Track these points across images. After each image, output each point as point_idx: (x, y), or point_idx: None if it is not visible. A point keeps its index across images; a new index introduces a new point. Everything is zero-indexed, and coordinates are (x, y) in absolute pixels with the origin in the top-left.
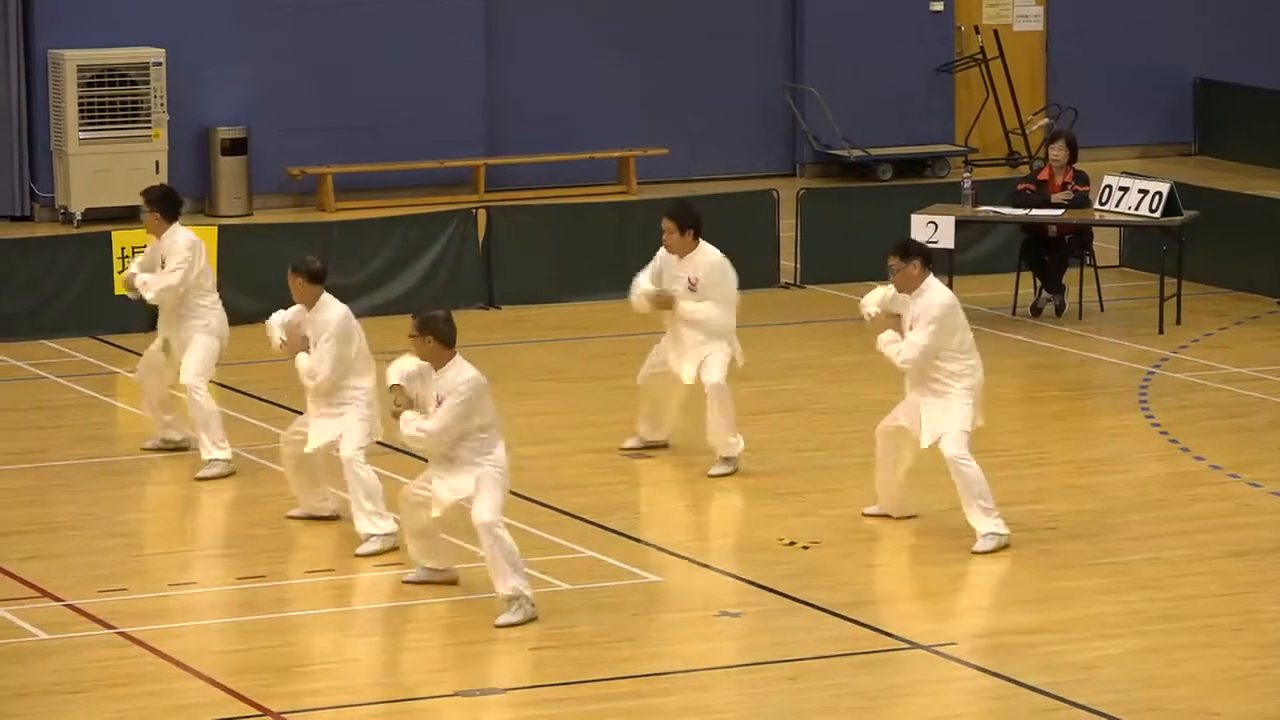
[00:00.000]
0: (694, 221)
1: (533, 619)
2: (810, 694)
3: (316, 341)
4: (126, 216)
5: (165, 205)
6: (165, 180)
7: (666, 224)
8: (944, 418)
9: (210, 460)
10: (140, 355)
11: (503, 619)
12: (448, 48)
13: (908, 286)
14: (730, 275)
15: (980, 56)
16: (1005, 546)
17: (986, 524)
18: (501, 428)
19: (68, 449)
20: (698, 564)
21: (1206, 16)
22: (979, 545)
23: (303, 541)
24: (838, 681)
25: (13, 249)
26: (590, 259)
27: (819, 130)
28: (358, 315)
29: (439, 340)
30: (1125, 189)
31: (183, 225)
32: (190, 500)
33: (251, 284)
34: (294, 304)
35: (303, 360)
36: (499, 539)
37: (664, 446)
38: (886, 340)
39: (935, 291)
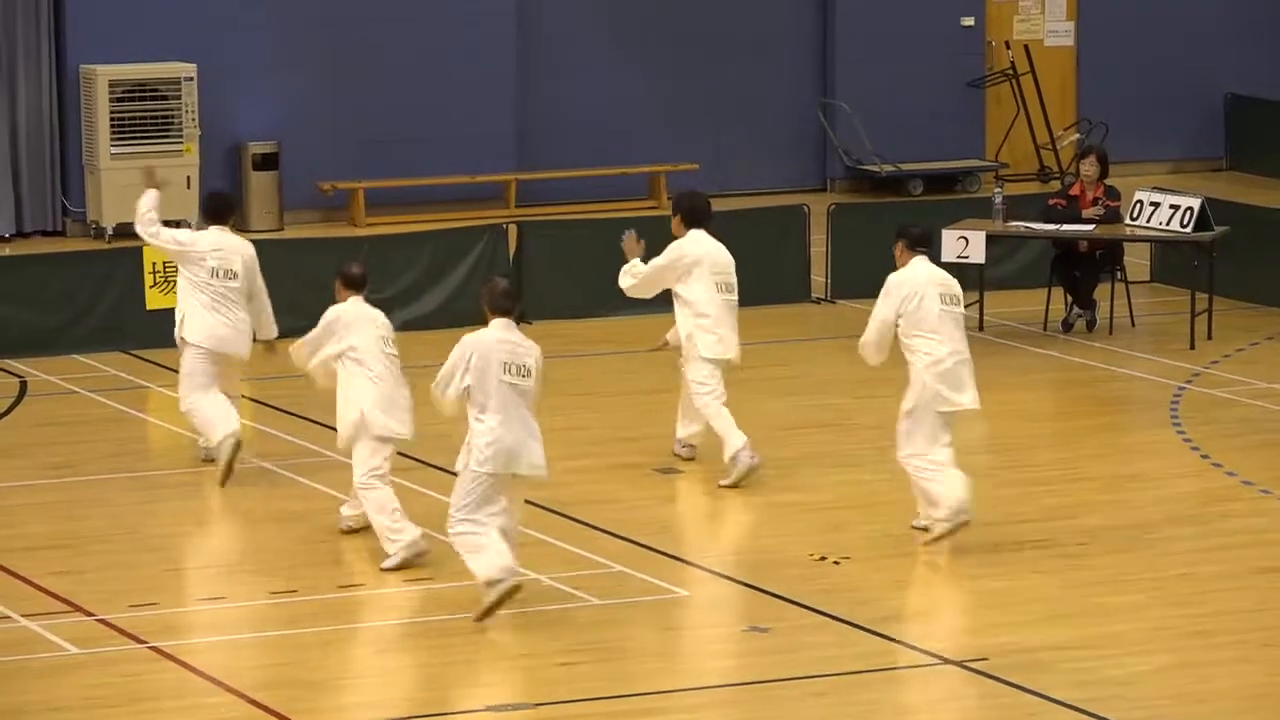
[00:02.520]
0: (678, 208)
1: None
2: (840, 710)
3: None
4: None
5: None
6: (197, 195)
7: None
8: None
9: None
10: (170, 370)
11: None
12: (479, 63)
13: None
14: (669, 254)
15: (1011, 71)
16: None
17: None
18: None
19: (98, 463)
20: (728, 579)
21: (1237, 32)
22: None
23: (334, 556)
24: (868, 698)
25: (44, 264)
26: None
27: (850, 145)
28: None
29: (489, 309)
30: (1156, 204)
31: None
32: (221, 515)
33: (282, 299)
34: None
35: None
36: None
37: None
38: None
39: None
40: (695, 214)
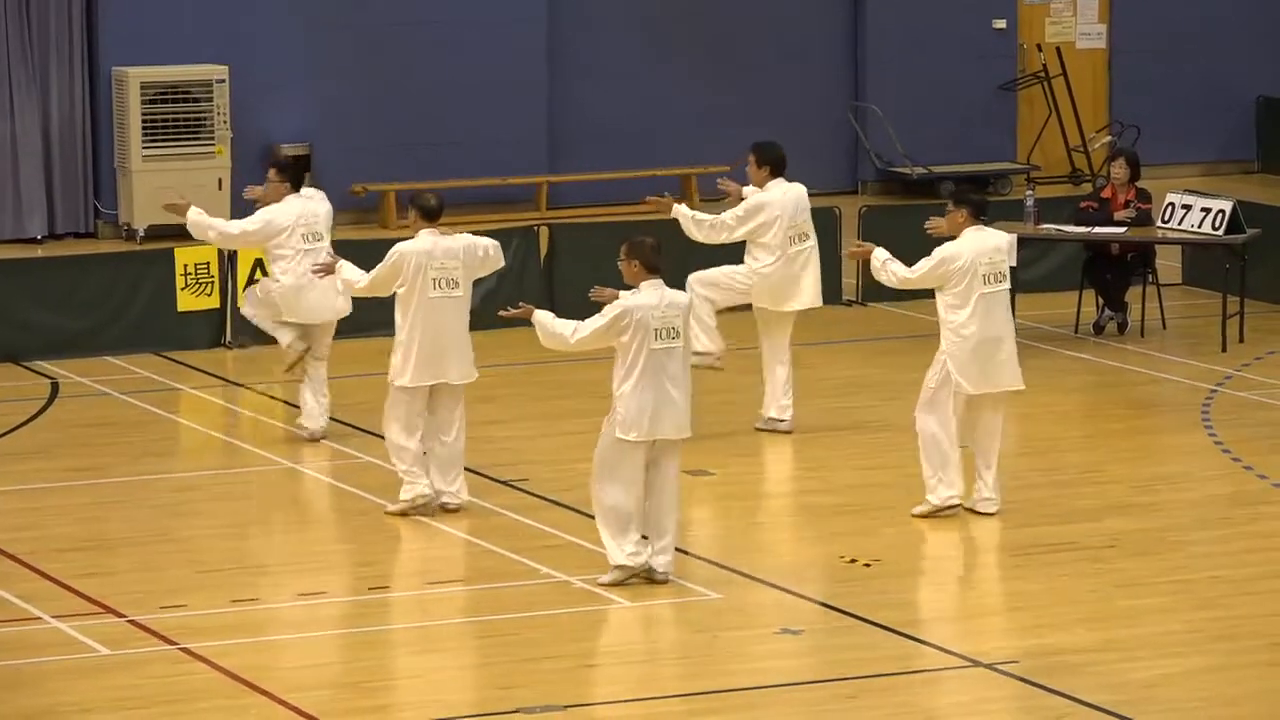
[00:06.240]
0: (770, 159)
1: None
2: (870, 712)
3: None
4: (189, 233)
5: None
6: (229, 197)
7: (750, 157)
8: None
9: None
10: (201, 371)
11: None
12: (510, 65)
13: (951, 230)
14: (758, 215)
15: (1042, 74)
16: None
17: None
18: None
19: (130, 465)
20: (758, 581)
21: (1269, 35)
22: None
23: (365, 558)
24: (898, 700)
25: (76, 266)
26: None
27: (881, 148)
28: None
29: (643, 264)
30: (1188, 207)
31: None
32: (252, 516)
33: None
34: None
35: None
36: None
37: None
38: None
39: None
40: (779, 165)
